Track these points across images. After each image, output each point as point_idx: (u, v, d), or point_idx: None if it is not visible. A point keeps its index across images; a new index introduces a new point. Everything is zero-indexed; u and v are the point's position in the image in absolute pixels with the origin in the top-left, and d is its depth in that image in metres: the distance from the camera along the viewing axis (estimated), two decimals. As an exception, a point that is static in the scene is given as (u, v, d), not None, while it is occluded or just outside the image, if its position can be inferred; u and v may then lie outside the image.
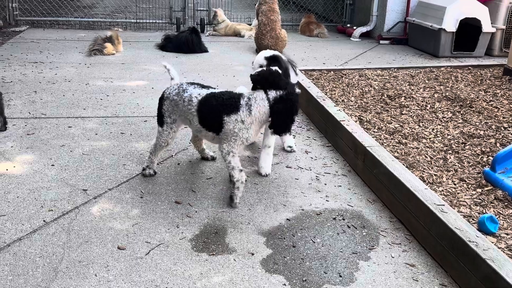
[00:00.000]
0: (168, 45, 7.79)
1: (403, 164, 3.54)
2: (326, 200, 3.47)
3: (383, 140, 4.06)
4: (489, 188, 3.32)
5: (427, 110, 4.83)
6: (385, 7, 8.88)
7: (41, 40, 7.99)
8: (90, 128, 4.56)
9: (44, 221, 3.08)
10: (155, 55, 7.43)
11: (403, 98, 5.13)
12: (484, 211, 3.05)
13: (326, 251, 2.91)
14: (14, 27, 8.86)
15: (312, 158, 4.13)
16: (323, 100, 4.79)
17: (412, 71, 6.23)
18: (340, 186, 3.68)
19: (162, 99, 3.52)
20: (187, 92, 3.39)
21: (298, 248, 2.92)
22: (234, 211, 3.29)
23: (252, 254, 2.85)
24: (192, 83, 3.47)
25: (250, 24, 9.63)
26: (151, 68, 6.70)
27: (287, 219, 3.22)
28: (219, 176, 3.75)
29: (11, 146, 4.10)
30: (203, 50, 7.83)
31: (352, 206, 3.40)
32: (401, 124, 4.42)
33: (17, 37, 8.18)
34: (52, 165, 3.81)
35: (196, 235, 3.01)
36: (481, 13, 7.56)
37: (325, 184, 3.69)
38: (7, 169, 3.71)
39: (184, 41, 7.69)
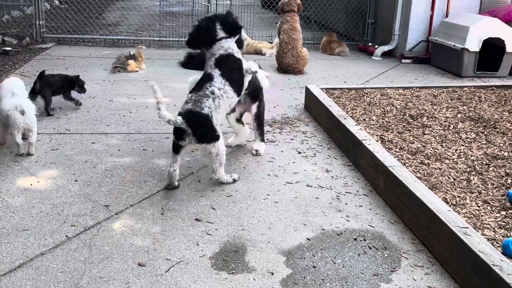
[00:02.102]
0: (191, 62, 7.88)
1: (426, 185, 3.50)
2: (347, 220, 3.44)
3: (405, 160, 4.03)
4: (514, 211, 3.26)
5: (450, 130, 4.78)
6: (407, 26, 8.86)
7: (66, 57, 8.17)
8: (113, 144, 4.62)
9: (66, 236, 3.12)
10: (178, 72, 7.53)
11: (425, 117, 5.10)
12: (508, 234, 2.99)
13: (347, 272, 2.88)
14: (40, 44, 9.07)
15: (332, 177, 4.12)
16: (344, 119, 4.79)
17: (434, 90, 6.19)
18: (361, 206, 3.65)
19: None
20: None
21: (318, 269, 2.90)
22: (254, 229, 3.29)
23: (272, 273, 2.84)
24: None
25: (271, 42, 9.70)
26: (173, 85, 6.78)
27: (307, 238, 3.20)
28: (239, 194, 3.75)
29: (36, 161, 4.18)
30: (225, 67, 7.88)
31: (373, 227, 3.37)
32: (424, 144, 4.38)
33: (43, 54, 8.37)
34: (76, 180, 3.87)
35: (216, 253, 3.01)
36: (505, 33, 7.50)
37: (346, 204, 3.67)
38: (31, 184, 3.78)
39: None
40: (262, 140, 4.53)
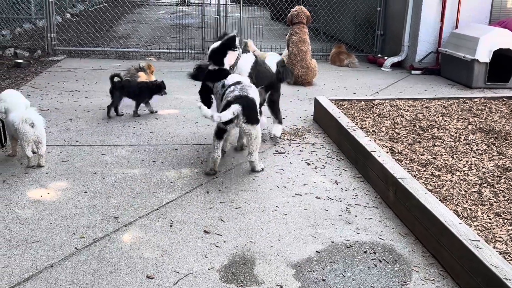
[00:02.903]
0: (200, 74, 7.90)
1: (437, 197, 3.47)
2: (357, 233, 3.41)
3: (415, 172, 4.00)
4: (527, 223, 3.21)
5: (461, 142, 4.75)
6: (416, 37, 8.85)
7: (77, 69, 8.24)
8: (122, 155, 4.64)
9: (75, 248, 3.12)
10: (187, 84, 7.55)
11: (435, 129, 5.06)
12: (521, 248, 2.95)
13: (356, 286, 2.85)
14: (52, 57, 9.17)
15: (342, 189, 4.09)
16: (354, 130, 4.77)
17: (445, 102, 6.16)
18: (371, 218, 3.62)
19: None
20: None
21: (328, 282, 2.87)
22: (263, 242, 3.27)
23: (281, 287, 2.82)
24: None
25: (280, 54, 9.72)
26: (183, 97, 6.81)
27: (316, 251, 3.18)
28: (248, 206, 3.74)
29: (46, 173, 4.20)
30: (234, 79, 7.92)
31: (383, 240, 3.34)
32: (434, 156, 4.35)
33: (54, 66, 8.46)
34: (85, 192, 3.88)
35: (224, 265, 3.00)
36: (516, 44, 7.46)
37: (356, 216, 3.64)
38: (41, 196, 3.80)
39: (218, 72, 7.78)
40: (280, 122, 5.21)
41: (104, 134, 5.19)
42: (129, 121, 5.65)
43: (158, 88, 5.95)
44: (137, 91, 5.84)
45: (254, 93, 4.29)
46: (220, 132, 4.19)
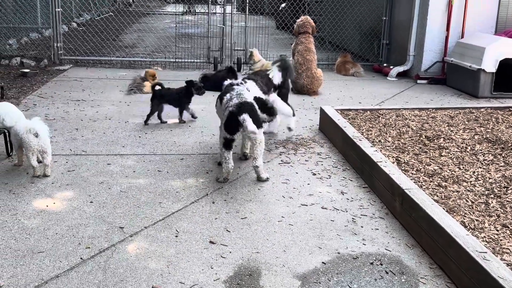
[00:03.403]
0: (206, 83, 7.93)
1: (443, 208, 3.45)
2: (363, 244, 3.40)
3: (421, 182, 3.99)
4: (535, 235, 3.19)
5: (467, 152, 4.73)
6: (422, 46, 8.86)
7: (83, 79, 8.29)
8: (128, 165, 4.66)
9: (81, 258, 3.13)
10: (193, 93, 7.58)
11: (442, 139, 5.06)
12: (529, 260, 2.93)
13: (363, 297, 2.83)
14: (58, 66, 9.23)
15: (348, 199, 4.09)
16: (360, 140, 4.77)
17: (451, 111, 6.15)
18: (377, 229, 3.61)
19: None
20: None
21: (334, 293, 2.86)
22: (268, 252, 3.26)
23: (287, 298, 2.81)
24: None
25: (286, 63, 9.74)
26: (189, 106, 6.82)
27: (322, 262, 3.17)
28: (253, 216, 3.74)
29: (52, 183, 4.22)
30: (240, 89, 7.95)
31: (390, 251, 3.32)
32: (441, 166, 4.34)
33: (61, 75, 8.51)
34: (91, 202, 3.89)
35: (230, 276, 2.99)
36: (522, 53, 7.45)
37: (362, 227, 3.63)
38: (47, 206, 3.81)
39: (221, 80, 7.82)
40: (293, 114, 5.55)
41: (110, 144, 5.21)
42: (134, 131, 5.67)
43: (191, 87, 6.05)
44: (176, 98, 6.03)
45: (250, 96, 4.41)
46: (229, 142, 4.26)
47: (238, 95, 4.32)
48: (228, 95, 4.39)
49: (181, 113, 6.05)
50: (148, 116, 5.93)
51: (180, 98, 6.03)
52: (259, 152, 4.29)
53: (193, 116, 6.14)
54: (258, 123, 4.23)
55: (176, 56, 9.91)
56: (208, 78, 7.99)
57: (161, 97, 5.96)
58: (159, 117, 6.04)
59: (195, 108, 6.66)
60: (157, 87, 6.02)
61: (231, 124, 4.21)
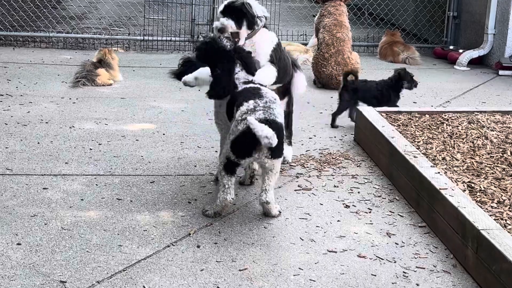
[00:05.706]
0: (189, 71, 7.95)
1: (538, 258, 3.46)
2: (419, 310, 3.41)
3: (505, 220, 3.99)
4: None
5: None
6: (506, 22, 8.90)
7: (9, 64, 8.34)
8: (73, 191, 4.67)
9: (3, 326, 3.13)
10: (169, 86, 7.61)
11: (535, 157, 5.07)
12: None
13: None
14: (-28, 45, 9.31)
15: (396, 244, 4.10)
16: (415, 157, 4.78)
17: (548, 116, 6.17)
18: (440, 288, 3.62)
19: None
20: None
21: None
22: (279, 321, 3.25)
23: None
24: None
25: (305, 44, 9.80)
26: (162, 105, 6.86)
27: (359, 336, 3.17)
28: (257, 267, 3.74)
29: (-38, 215, 4.24)
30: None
31: (458, 320, 3.33)
32: (534, 197, 4.35)
33: (-25, 58, 8.58)
34: (18, 243, 3.90)
35: None
36: None
37: (418, 285, 3.64)
38: (-46, 248, 3.82)
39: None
40: (290, 143, 5.35)
41: (47, 159, 5.23)
42: (84, 140, 5.69)
43: (402, 80, 6.42)
44: (377, 94, 6.35)
45: (280, 112, 4.38)
46: (232, 165, 4.24)
47: (267, 108, 4.24)
48: (251, 103, 4.28)
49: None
50: (335, 115, 6.40)
51: (383, 95, 6.34)
52: (272, 184, 4.33)
53: (352, 120, 6.44)
54: (281, 150, 4.28)
55: (145, 32, 9.96)
56: (192, 64, 8.01)
57: (354, 92, 6.34)
58: (351, 116, 6.43)
59: (172, 108, 6.68)
60: (350, 77, 6.31)
61: (244, 145, 4.14)
